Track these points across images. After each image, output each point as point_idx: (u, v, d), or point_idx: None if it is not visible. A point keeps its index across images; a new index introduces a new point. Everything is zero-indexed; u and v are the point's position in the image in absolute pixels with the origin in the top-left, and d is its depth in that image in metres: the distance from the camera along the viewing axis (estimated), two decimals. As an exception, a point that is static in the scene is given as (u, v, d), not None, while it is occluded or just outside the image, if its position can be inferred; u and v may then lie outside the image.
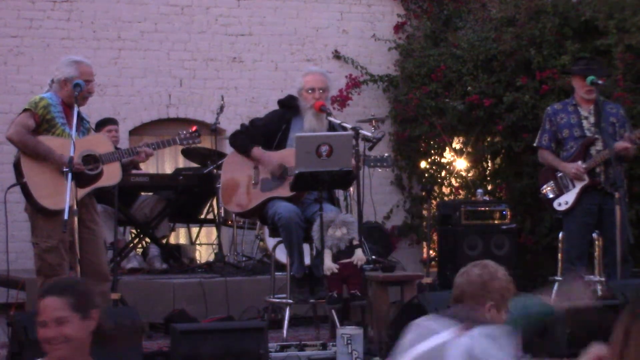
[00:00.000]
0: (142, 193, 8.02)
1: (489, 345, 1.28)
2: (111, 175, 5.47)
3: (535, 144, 6.53)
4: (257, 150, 5.95)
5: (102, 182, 5.46)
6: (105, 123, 7.55)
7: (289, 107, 6.05)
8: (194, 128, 6.08)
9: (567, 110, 6.34)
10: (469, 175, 9.66)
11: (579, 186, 6.23)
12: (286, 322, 5.72)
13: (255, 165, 5.98)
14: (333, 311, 5.73)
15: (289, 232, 5.69)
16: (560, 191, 6.32)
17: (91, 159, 5.40)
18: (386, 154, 6.40)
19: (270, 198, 5.89)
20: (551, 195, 6.36)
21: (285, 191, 5.83)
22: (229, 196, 6.06)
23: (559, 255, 6.64)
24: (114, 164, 5.47)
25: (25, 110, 5.34)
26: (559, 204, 6.31)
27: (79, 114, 5.25)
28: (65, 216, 4.79)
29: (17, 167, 5.34)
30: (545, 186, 6.41)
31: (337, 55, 9.76)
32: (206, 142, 8.70)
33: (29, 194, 5.29)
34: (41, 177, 5.28)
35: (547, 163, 6.42)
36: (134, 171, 7.68)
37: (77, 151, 5.16)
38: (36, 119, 5.29)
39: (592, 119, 6.24)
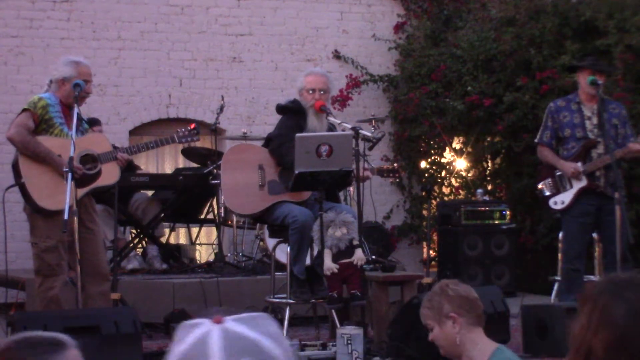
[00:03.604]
0: (136, 192, 8.00)
1: (248, 325, 1.36)
2: (110, 174, 5.47)
3: (535, 140, 6.50)
4: None
5: (101, 182, 5.46)
6: (90, 124, 7.51)
7: (297, 112, 5.96)
8: (192, 125, 6.05)
9: (571, 109, 6.29)
10: (469, 175, 9.67)
11: (576, 187, 6.21)
12: (286, 322, 5.71)
13: (260, 165, 5.92)
14: (333, 311, 5.73)
15: (302, 235, 5.65)
16: (557, 190, 6.30)
17: (89, 159, 5.40)
18: (395, 164, 6.40)
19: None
20: (547, 193, 6.35)
21: (295, 195, 5.78)
22: (234, 197, 5.95)
23: (559, 255, 6.64)
24: (113, 163, 5.47)
25: (24, 110, 5.35)
26: (555, 203, 6.30)
27: (78, 114, 5.25)
28: (65, 216, 4.79)
29: (15, 167, 5.34)
30: (542, 183, 6.40)
31: (337, 55, 9.76)
32: (206, 142, 8.70)
33: (27, 195, 5.29)
34: (40, 177, 5.28)
35: (546, 160, 6.40)
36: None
37: (76, 151, 5.16)
38: (35, 119, 5.29)
39: (595, 120, 6.21)
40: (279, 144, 5.84)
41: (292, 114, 5.96)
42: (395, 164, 6.48)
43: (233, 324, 1.37)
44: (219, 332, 1.35)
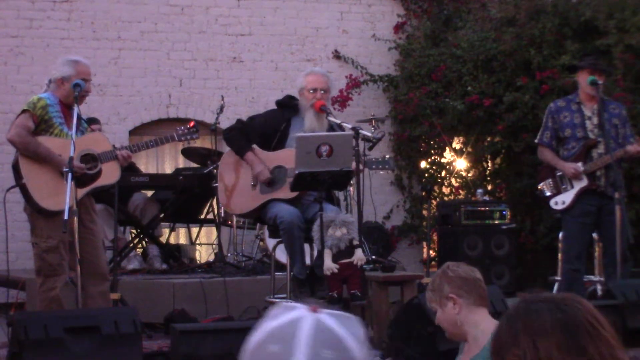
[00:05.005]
0: (134, 193, 8.00)
1: (339, 322, 1.41)
2: (110, 174, 5.46)
3: (536, 140, 6.51)
4: (251, 156, 5.90)
5: (101, 181, 5.45)
6: (88, 123, 7.49)
7: (288, 107, 6.03)
8: (192, 123, 6.06)
9: (571, 109, 6.30)
10: (469, 175, 9.66)
11: (577, 187, 6.21)
12: (286, 322, 5.70)
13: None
14: (333, 311, 5.72)
15: (290, 235, 5.67)
16: (557, 190, 6.30)
17: (90, 158, 5.40)
18: (387, 156, 6.37)
19: (270, 199, 5.87)
20: (548, 193, 6.35)
21: (285, 193, 5.81)
22: (228, 197, 6.04)
23: (559, 255, 6.64)
24: (112, 163, 5.47)
25: (23, 111, 5.33)
26: (556, 203, 6.30)
27: (77, 113, 5.25)
28: (66, 216, 4.78)
29: (15, 168, 5.33)
30: (542, 183, 6.41)
31: (337, 55, 9.76)
32: (206, 142, 8.70)
33: (28, 195, 5.28)
34: (40, 178, 5.27)
35: (547, 161, 6.40)
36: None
37: (76, 151, 5.16)
38: (35, 120, 5.28)
39: (595, 120, 6.21)
40: (239, 131, 5.96)
41: (281, 108, 6.02)
42: (387, 156, 6.41)
43: (326, 317, 1.42)
44: (312, 321, 1.40)
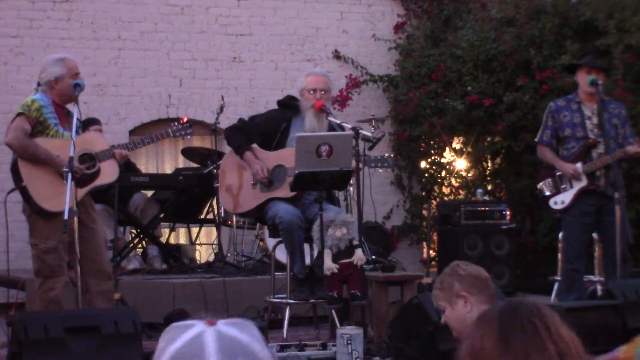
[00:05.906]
0: (135, 193, 7.99)
1: (238, 329, 1.45)
2: (109, 172, 5.46)
3: (536, 140, 6.51)
4: (249, 155, 5.92)
5: (100, 181, 5.45)
6: (89, 123, 7.52)
7: (289, 107, 6.05)
8: (185, 119, 6.09)
9: (571, 109, 6.29)
10: (469, 175, 9.67)
11: (576, 187, 6.20)
12: (286, 322, 5.72)
13: None
14: (333, 311, 5.73)
15: (290, 235, 5.67)
16: (557, 190, 6.29)
17: (87, 158, 5.39)
18: (386, 154, 6.38)
19: (269, 198, 5.88)
20: (547, 193, 6.34)
21: (285, 192, 5.81)
22: (228, 196, 6.05)
23: (559, 255, 6.64)
24: (110, 162, 5.46)
25: (19, 114, 5.31)
26: (555, 203, 6.29)
27: (71, 113, 5.25)
28: (66, 216, 4.78)
29: (14, 170, 5.31)
30: (542, 183, 6.40)
31: (337, 55, 9.76)
32: (206, 142, 8.70)
33: (28, 197, 5.27)
34: (40, 179, 5.26)
35: (546, 160, 6.40)
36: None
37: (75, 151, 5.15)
38: (31, 122, 5.27)
39: (595, 120, 6.20)
40: (240, 130, 6.00)
41: (282, 108, 6.05)
42: (386, 154, 6.44)
43: (225, 327, 1.44)
44: (214, 334, 1.41)
